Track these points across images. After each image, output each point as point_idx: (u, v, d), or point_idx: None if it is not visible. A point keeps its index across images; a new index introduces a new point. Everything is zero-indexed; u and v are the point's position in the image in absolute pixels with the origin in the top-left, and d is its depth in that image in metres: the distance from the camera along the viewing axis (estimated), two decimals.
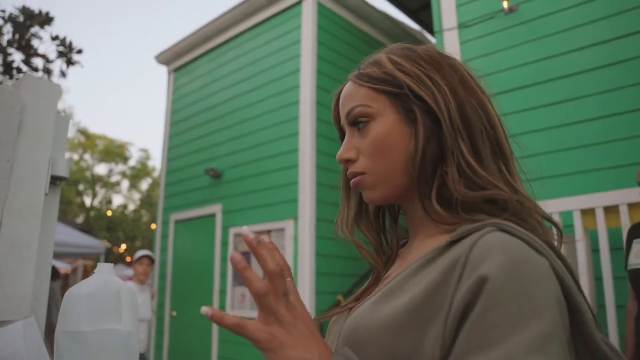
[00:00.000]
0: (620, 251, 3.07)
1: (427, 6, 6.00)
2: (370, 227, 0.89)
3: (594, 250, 3.18)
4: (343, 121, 0.83)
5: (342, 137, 0.88)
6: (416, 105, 0.74)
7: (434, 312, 0.61)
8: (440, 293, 0.61)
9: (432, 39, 5.23)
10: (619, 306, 3.00)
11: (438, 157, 0.74)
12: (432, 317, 0.60)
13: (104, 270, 0.91)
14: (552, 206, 3.26)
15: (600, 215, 3.08)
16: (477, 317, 0.56)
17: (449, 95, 0.73)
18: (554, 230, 0.74)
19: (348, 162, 0.80)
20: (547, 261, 0.61)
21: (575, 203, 3.19)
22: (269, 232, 5.73)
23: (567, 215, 3.28)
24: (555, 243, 0.71)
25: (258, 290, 0.57)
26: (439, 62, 0.78)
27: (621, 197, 3.03)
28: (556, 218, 3.23)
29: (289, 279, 0.60)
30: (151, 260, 4.71)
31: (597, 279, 3.14)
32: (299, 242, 5.39)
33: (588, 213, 3.17)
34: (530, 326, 0.54)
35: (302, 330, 0.60)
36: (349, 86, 0.82)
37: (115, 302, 0.88)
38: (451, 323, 0.58)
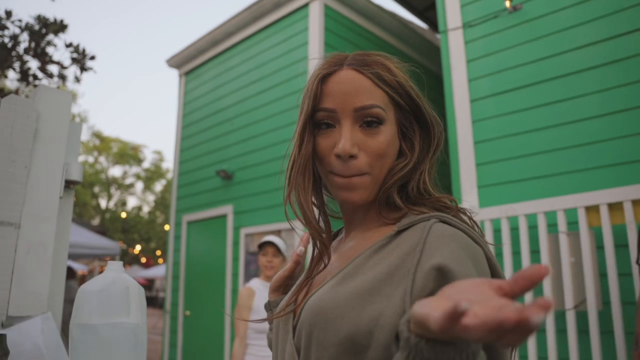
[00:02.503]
0: (624, 248, 3.09)
1: (434, 5, 6.03)
2: (314, 215, 0.91)
3: (599, 247, 3.20)
4: (343, 109, 0.81)
5: (310, 118, 0.84)
6: (417, 127, 0.85)
7: (392, 289, 0.69)
8: (398, 273, 0.70)
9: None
10: (624, 302, 3.02)
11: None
12: (391, 294, 0.69)
13: (114, 268, 0.98)
14: (556, 203, 3.29)
15: (604, 212, 3.10)
16: None
17: (440, 131, 0.87)
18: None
19: (351, 157, 0.79)
20: (482, 249, 0.72)
21: (579, 200, 3.21)
22: (279, 232, 5.80)
23: (572, 212, 3.31)
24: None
25: None
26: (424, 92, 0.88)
27: (625, 193, 3.05)
28: (560, 215, 3.26)
29: None
30: (277, 249, 3.47)
31: (602, 275, 3.17)
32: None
33: (592, 210, 3.19)
34: None
35: None
36: (361, 79, 0.81)
37: (124, 297, 0.94)
38: (415, 300, 0.66)
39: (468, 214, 0.83)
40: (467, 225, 0.78)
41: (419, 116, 0.84)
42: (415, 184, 0.83)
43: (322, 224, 0.92)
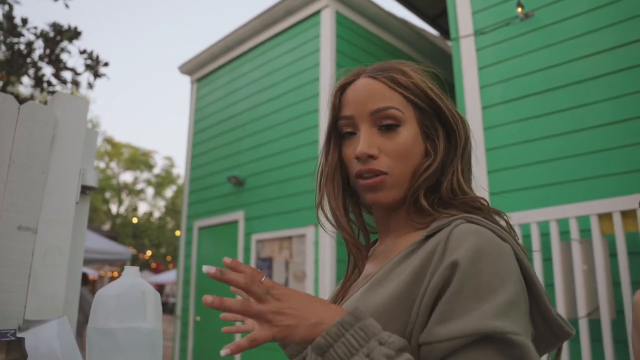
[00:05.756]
0: (638, 256, 3.06)
1: (445, 12, 6.03)
2: (348, 219, 0.93)
3: (612, 254, 3.17)
4: (360, 114, 0.84)
5: (334, 128, 0.90)
6: (440, 126, 0.85)
7: (416, 294, 0.70)
8: (421, 277, 0.70)
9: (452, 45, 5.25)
10: None
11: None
12: (415, 299, 0.69)
13: (131, 273, 0.99)
14: (568, 211, 3.27)
15: (617, 219, 3.08)
16: (452, 292, 0.65)
17: (463, 124, 0.86)
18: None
19: (370, 158, 0.82)
20: (509, 246, 0.71)
21: (592, 207, 3.19)
22: (289, 238, 5.81)
23: (584, 219, 3.28)
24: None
25: (239, 309, 0.62)
26: (446, 93, 0.88)
27: (638, 201, 3.03)
28: (573, 223, 3.23)
29: (263, 278, 0.65)
30: None
31: (615, 283, 3.14)
32: (319, 248, 5.45)
33: (605, 217, 3.17)
34: (497, 295, 0.63)
35: (300, 304, 0.65)
36: (374, 84, 0.84)
37: (141, 302, 0.95)
38: (426, 301, 0.67)
39: (505, 217, 0.82)
40: (498, 225, 0.77)
41: (440, 115, 0.84)
42: (449, 185, 0.82)
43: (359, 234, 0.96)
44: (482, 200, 0.83)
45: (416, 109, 0.83)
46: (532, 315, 0.71)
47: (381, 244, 0.91)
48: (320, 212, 0.92)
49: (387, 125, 0.82)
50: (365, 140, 0.82)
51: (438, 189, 0.84)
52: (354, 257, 0.90)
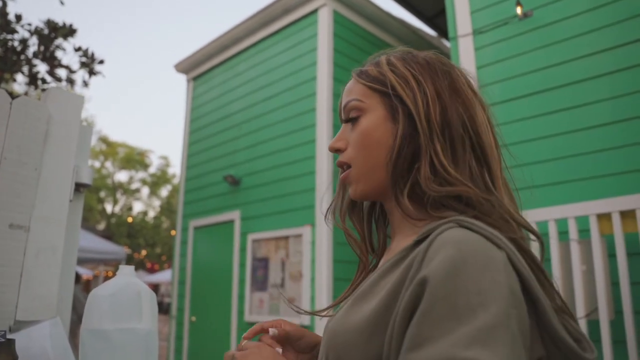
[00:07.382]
0: (637, 256, 3.04)
1: (443, 12, 6.01)
2: (361, 219, 0.93)
3: (611, 255, 3.15)
4: (341, 115, 0.88)
5: None
6: (399, 105, 0.77)
7: (392, 313, 0.63)
8: (398, 294, 0.63)
9: (449, 45, 5.24)
10: (636, 312, 2.98)
11: (415, 156, 0.75)
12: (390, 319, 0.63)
13: (126, 272, 0.95)
14: (567, 211, 3.25)
15: (616, 220, 3.06)
16: (422, 314, 0.57)
17: (430, 98, 0.75)
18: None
19: (338, 151, 0.85)
20: (504, 254, 0.61)
21: (591, 208, 3.17)
22: (286, 238, 5.78)
23: (583, 219, 3.26)
24: (531, 248, 0.72)
25: None
26: (434, 67, 0.79)
27: (638, 201, 3.01)
28: (572, 223, 3.21)
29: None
30: None
31: (614, 284, 3.12)
32: (316, 248, 5.42)
33: (604, 218, 3.15)
34: (476, 318, 0.54)
35: None
36: (348, 84, 0.87)
37: (136, 302, 0.92)
38: (398, 323, 0.60)
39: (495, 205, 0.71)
40: (503, 228, 0.68)
41: (394, 90, 0.77)
42: (425, 170, 0.72)
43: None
44: (465, 192, 0.70)
45: (382, 95, 0.80)
46: (539, 330, 0.63)
47: (392, 243, 0.86)
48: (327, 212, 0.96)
49: (353, 118, 0.83)
50: (335, 137, 0.85)
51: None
52: (358, 256, 0.90)
